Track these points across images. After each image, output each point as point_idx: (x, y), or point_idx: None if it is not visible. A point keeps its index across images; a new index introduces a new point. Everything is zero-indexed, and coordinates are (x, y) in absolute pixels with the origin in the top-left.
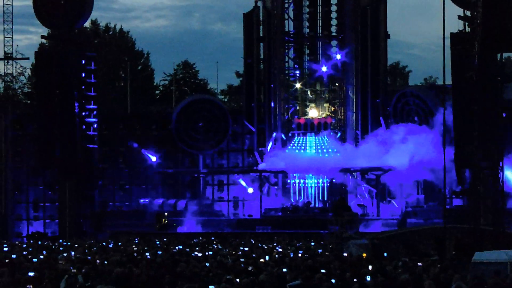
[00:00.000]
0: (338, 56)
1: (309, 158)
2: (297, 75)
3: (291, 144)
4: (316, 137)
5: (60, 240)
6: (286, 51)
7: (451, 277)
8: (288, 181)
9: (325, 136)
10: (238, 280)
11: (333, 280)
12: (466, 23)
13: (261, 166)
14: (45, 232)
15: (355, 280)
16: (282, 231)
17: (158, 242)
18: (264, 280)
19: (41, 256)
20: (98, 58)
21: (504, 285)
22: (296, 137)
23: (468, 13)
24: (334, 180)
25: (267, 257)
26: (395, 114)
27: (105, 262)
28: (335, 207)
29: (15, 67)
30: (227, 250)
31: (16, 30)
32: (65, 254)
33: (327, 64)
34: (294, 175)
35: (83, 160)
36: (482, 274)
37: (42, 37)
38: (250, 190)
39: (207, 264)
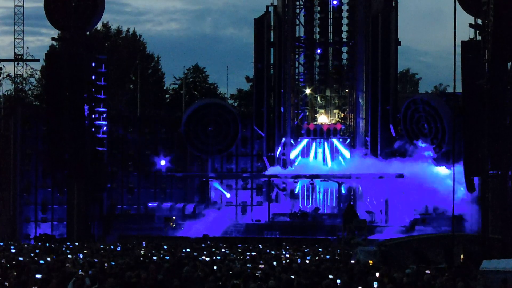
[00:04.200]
0: None
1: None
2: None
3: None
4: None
5: (68, 243)
6: (297, 56)
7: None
8: (297, 185)
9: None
10: (245, 285)
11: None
12: (477, 31)
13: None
14: (52, 234)
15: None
16: (290, 237)
17: (165, 247)
18: (273, 286)
19: (49, 258)
20: (109, 61)
21: None
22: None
23: (479, 21)
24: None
25: (274, 263)
26: (405, 121)
27: (112, 263)
28: (344, 214)
29: (25, 68)
30: (234, 255)
31: (27, 32)
32: (70, 256)
33: None
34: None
35: (92, 163)
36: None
37: (53, 39)
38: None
39: (215, 268)
